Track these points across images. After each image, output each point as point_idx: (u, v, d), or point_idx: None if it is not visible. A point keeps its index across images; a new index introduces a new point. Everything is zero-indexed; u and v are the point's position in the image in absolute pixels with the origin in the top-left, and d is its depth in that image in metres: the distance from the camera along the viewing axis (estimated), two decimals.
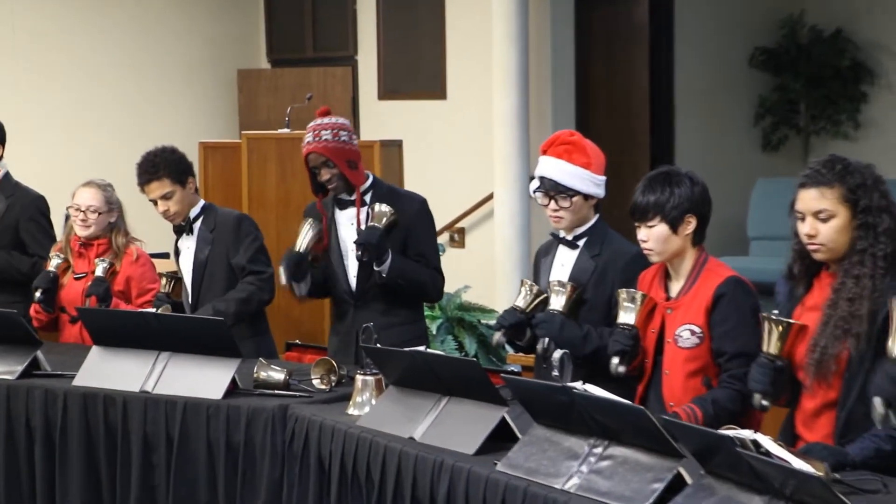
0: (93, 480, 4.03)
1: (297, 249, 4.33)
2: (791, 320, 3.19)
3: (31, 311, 4.83)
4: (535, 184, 3.90)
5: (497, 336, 3.85)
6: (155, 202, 4.58)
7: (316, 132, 4.30)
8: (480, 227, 9.23)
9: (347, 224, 4.41)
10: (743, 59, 9.89)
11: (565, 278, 3.89)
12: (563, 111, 9.05)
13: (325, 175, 4.32)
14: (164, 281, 4.72)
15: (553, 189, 3.85)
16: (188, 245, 4.67)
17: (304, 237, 4.34)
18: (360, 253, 4.22)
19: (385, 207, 4.27)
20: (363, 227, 4.30)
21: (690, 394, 3.47)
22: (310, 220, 4.38)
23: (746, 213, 9.37)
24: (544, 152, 3.91)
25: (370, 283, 4.35)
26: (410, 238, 4.35)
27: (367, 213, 4.32)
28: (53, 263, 4.79)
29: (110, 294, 4.66)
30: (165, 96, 9.47)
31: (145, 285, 4.84)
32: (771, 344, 3.19)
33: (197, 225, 4.65)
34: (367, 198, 4.38)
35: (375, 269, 4.26)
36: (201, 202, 4.67)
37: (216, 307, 4.47)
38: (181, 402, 3.90)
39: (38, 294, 4.72)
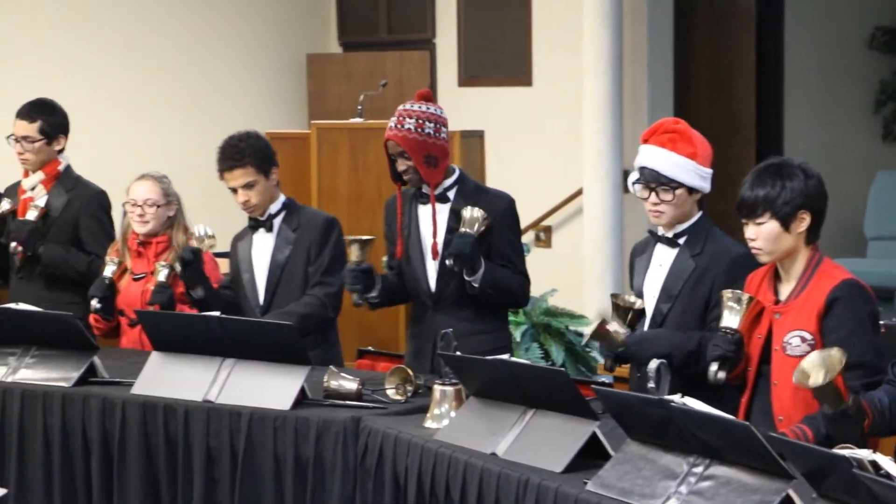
0: (152, 495, 4.09)
1: (356, 261, 4.33)
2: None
3: (91, 320, 4.91)
4: (635, 175, 3.88)
5: (608, 362, 3.87)
6: (234, 191, 4.57)
7: (400, 118, 4.32)
8: (568, 225, 9.20)
9: (428, 221, 4.43)
10: (862, 40, 9.73)
11: (662, 279, 3.88)
12: (660, 99, 8.99)
13: (401, 166, 4.35)
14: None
15: (654, 180, 3.83)
16: (264, 242, 4.67)
17: (357, 254, 4.34)
18: (451, 262, 4.24)
19: (478, 212, 4.28)
20: (441, 228, 4.32)
21: (801, 407, 3.43)
22: (355, 242, 4.36)
23: (864, 210, 9.22)
24: (646, 141, 3.89)
25: (452, 286, 4.37)
26: (496, 240, 4.36)
27: (454, 214, 4.33)
28: (109, 270, 4.84)
29: (174, 301, 4.71)
30: (229, 84, 9.58)
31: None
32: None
33: (277, 221, 4.65)
34: (451, 194, 4.40)
35: (467, 279, 4.28)
36: (282, 197, 4.68)
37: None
38: (246, 413, 3.94)
39: (94, 303, 4.79)
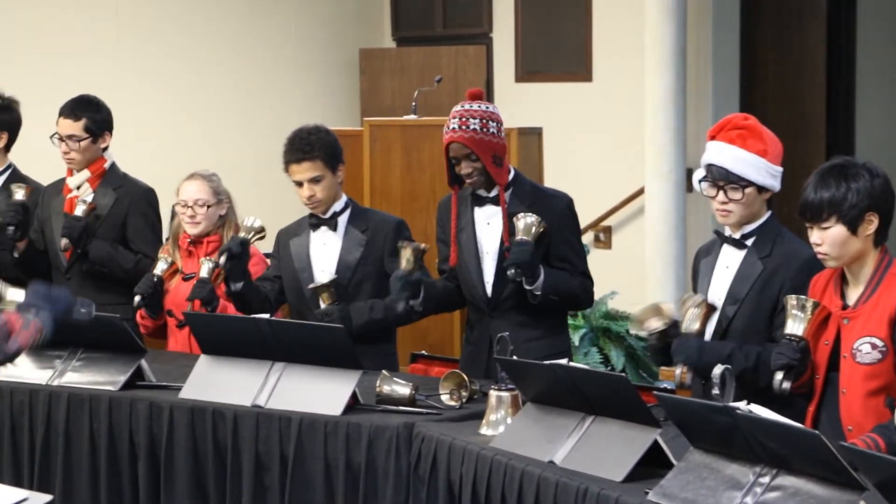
0: (200, 502, 4.11)
1: (407, 269, 4.34)
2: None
3: (137, 318, 4.95)
4: (702, 172, 3.86)
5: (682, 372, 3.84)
6: (300, 185, 4.59)
7: (463, 119, 4.32)
8: (629, 225, 9.16)
9: (484, 223, 4.43)
10: None
11: (728, 282, 3.84)
12: (725, 95, 8.93)
13: (465, 168, 4.34)
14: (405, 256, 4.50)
15: (723, 178, 3.80)
16: (326, 241, 4.67)
17: (409, 261, 4.35)
18: (512, 273, 4.23)
19: (532, 218, 4.27)
20: (503, 227, 4.31)
21: (871, 416, 3.39)
22: (409, 248, 4.37)
23: None
24: (713, 137, 3.87)
25: (508, 290, 4.36)
26: (555, 242, 4.35)
27: (510, 219, 4.32)
28: (159, 268, 4.87)
29: (216, 296, 4.74)
30: (281, 80, 9.63)
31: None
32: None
33: (342, 221, 4.67)
34: (507, 195, 4.39)
35: (527, 287, 4.27)
36: (344, 197, 4.70)
37: (369, 310, 4.52)
38: (296, 419, 3.96)
39: (137, 299, 4.82)
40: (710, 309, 3.84)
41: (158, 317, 4.92)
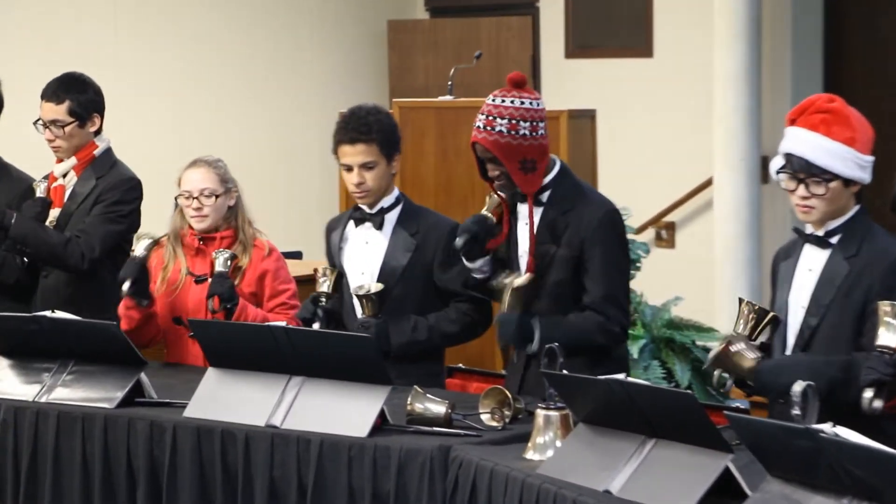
0: None
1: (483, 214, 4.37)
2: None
3: (121, 309, 4.91)
4: (779, 162, 3.84)
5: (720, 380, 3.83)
6: (349, 169, 4.59)
7: (490, 118, 4.30)
8: (695, 221, 9.15)
9: (521, 223, 4.42)
10: None
11: (811, 286, 3.82)
12: (806, 73, 8.90)
13: (491, 171, 4.35)
14: (322, 275, 4.64)
15: (804, 170, 3.78)
16: (369, 240, 4.68)
17: (489, 207, 4.39)
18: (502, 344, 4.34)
19: (512, 280, 4.30)
20: (535, 232, 4.31)
21: None
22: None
23: None
24: (793, 122, 3.84)
25: (550, 298, 4.35)
26: (587, 254, 4.32)
27: (543, 222, 4.32)
28: (141, 247, 4.83)
29: (236, 294, 4.74)
30: (298, 57, 9.66)
31: (278, 286, 4.91)
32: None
33: (390, 219, 4.67)
34: (546, 196, 4.38)
35: (528, 351, 4.31)
36: (397, 191, 4.70)
37: (412, 329, 4.56)
38: (316, 441, 3.96)
39: (125, 286, 4.79)
40: (773, 321, 3.83)
41: (149, 302, 4.89)
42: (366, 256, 4.68)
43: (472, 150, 4.39)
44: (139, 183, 5.31)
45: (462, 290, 4.57)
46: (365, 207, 4.67)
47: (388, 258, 4.64)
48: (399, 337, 4.55)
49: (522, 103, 4.32)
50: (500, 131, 4.28)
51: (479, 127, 4.32)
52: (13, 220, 5.14)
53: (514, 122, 4.29)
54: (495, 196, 4.44)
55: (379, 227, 4.67)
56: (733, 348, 3.79)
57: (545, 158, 4.36)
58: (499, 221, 4.45)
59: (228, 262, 4.76)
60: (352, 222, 4.72)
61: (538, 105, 4.34)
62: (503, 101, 4.32)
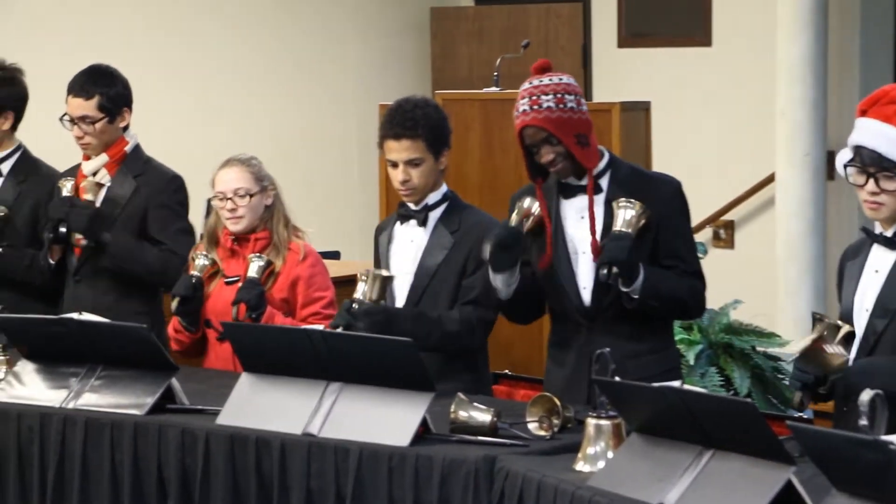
0: None
1: (511, 224, 4.35)
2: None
3: (170, 331, 4.99)
4: (847, 155, 3.83)
5: (797, 397, 3.83)
6: (394, 165, 4.61)
7: (533, 98, 4.32)
8: (756, 219, 9.13)
9: (576, 218, 4.42)
10: None
11: (878, 289, 3.81)
12: (875, 62, 8.85)
13: (546, 155, 4.34)
14: (363, 281, 4.55)
15: (874, 164, 3.78)
16: (412, 237, 4.70)
17: (519, 214, 4.38)
18: (605, 273, 4.23)
19: (634, 205, 4.26)
20: (598, 224, 4.30)
21: None
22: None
23: None
24: (863, 113, 3.84)
25: (610, 298, 4.36)
26: (662, 234, 4.34)
27: (608, 207, 4.32)
28: (198, 265, 4.91)
29: (265, 301, 4.78)
30: (337, 46, 9.68)
31: (313, 293, 4.94)
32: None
33: (434, 216, 4.69)
34: (604, 182, 4.39)
35: (623, 290, 4.26)
36: (444, 188, 4.71)
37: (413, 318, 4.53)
38: (355, 450, 3.98)
39: (175, 303, 4.86)
40: (848, 336, 3.82)
41: (197, 329, 4.96)
42: (409, 254, 4.70)
43: (519, 141, 4.39)
44: (182, 179, 5.36)
45: (478, 296, 4.56)
46: (410, 204, 4.70)
47: (426, 255, 4.66)
48: (403, 326, 4.50)
49: (561, 80, 4.35)
50: (549, 107, 4.29)
51: (524, 111, 4.32)
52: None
53: (559, 95, 4.30)
54: (526, 202, 4.42)
55: (423, 224, 4.70)
56: (828, 348, 3.78)
57: (594, 135, 4.37)
58: (529, 232, 4.44)
59: (263, 268, 4.79)
60: (398, 220, 4.75)
61: (574, 83, 4.38)
62: (541, 81, 4.34)
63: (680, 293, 4.36)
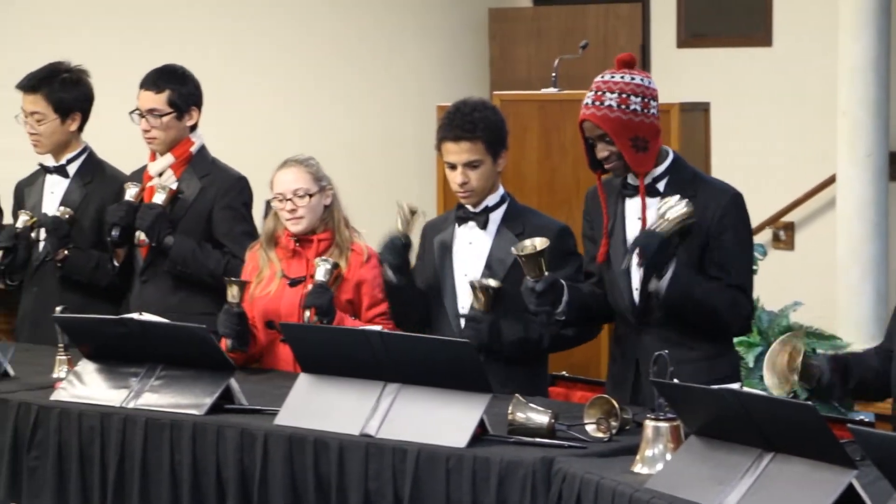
0: None
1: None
2: None
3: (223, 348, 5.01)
4: None
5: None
6: (452, 167, 4.63)
7: (599, 93, 4.31)
8: (817, 221, 9.08)
9: (633, 218, 4.42)
10: None
11: None
12: None
13: (601, 151, 4.34)
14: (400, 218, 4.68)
15: None
16: (474, 240, 4.71)
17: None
18: (627, 263, 4.23)
19: (679, 204, 4.24)
20: (649, 223, 4.29)
21: None
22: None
23: None
24: None
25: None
26: (710, 243, 4.31)
27: (658, 208, 4.31)
28: (233, 295, 4.84)
29: (334, 308, 4.79)
30: (395, 48, 9.70)
31: (378, 294, 4.94)
32: None
33: (495, 218, 4.70)
34: (662, 185, 4.38)
35: (651, 286, 4.25)
36: (502, 189, 4.72)
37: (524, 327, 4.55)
38: (413, 451, 3.99)
39: (228, 345, 4.85)
40: None
41: (246, 348, 4.93)
42: (469, 257, 4.70)
43: (581, 133, 4.39)
44: (247, 180, 5.40)
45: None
46: (469, 206, 4.71)
47: (492, 259, 4.67)
48: (512, 334, 4.56)
49: (633, 79, 4.33)
50: (610, 105, 4.29)
51: (587, 104, 4.33)
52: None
53: (624, 96, 4.29)
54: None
55: (483, 226, 4.70)
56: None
57: (657, 140, 4.35)
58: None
59: (330, 271, 4.81)
60: (456, 222, 4.76)
61: (650, 84, 4.36)
62: (612, 77, 4.34)
63: (715, 303, 4.30)
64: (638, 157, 4.30)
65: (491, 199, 4.70)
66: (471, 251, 4.71)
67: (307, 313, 4.76)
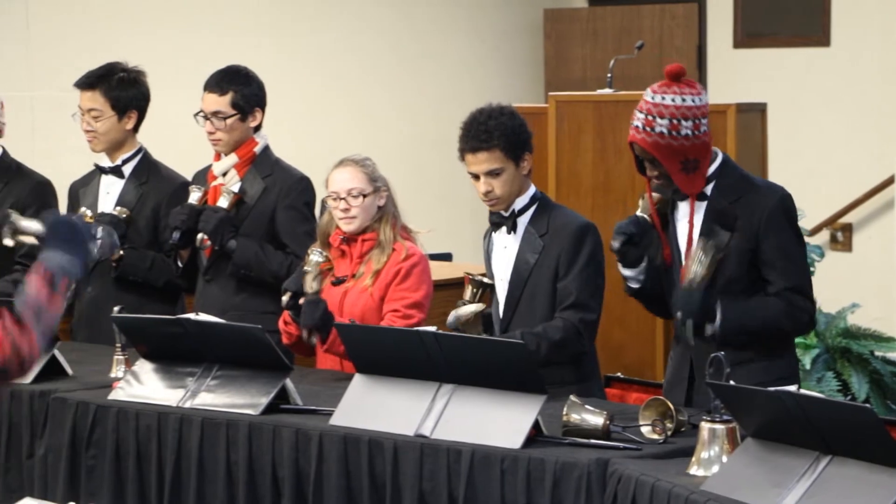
0: None
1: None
2: None
3: (280, 324, 5.04)
4: None
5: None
6: (476, 177, 4.65)
7: (650, 118, 4.29)
8: (875, 222, 9.01)
9: (683, 222, 4.40)
10: None
11: None
12: None
13: (650, 171, 4.35)
14: (469, 290, 4.69)
15: None
16: (507, 244, 4.72)
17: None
18: (682, 328, 4.27)
19: (707, 248, 4.23)
20: (696, 229, 4.29)
21: None
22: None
23: None
24: None
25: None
26: (761, 245, 4.30)
27: (710, 216, 4.30)
28: (312, 261, 4.94)
29: (329, 317, 4.79)
30: (448, 49, 9.70)
31: (401, 291, 4.93)
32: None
33: (523, 221, 4.70)
34: (709, 188, 4.36)
35: (707, 332, 4.26)
36: (532, 190, 4.72)
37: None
38: (467, 452, 4.00)
39: (285, 298, 4.90)
40: None
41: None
42: (503, 262, 4.72)
43: (630, 147, 4.39)
44: (310, 180, 5.42)
45: (575, 293, 4.57)
46: (500, 212, 4.71)
47: (518, 261, 4.67)
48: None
49: (684, 101, 4.29)
50: (661, 132, 4.27)
51: (637, 126, 4.31)
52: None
53: (675, 121, 4.27)
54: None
55: (512, 230, 4.71)
56: None
57: (708, 155, 4.33)
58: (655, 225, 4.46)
59: (318, 281, 4.85)
60: (492, 229, 4.78)
61: (701, 101, 4.32)
62: (663, 98, 4.29)
63: (773, 321, 4.30)
64: (688, 179, 4.30)
65: (520, 202, 4.70)
66: (504, 255, 4.72)
67: (304, 333, 4.83)
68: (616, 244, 4.41)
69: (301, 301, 4.86)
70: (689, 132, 4.28)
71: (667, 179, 4.31)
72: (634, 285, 4.49)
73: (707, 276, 4.23)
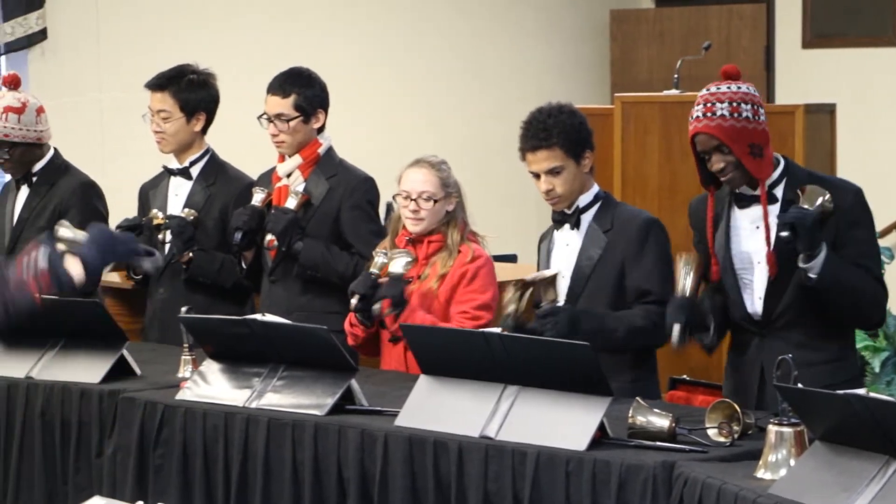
0: None
1: (683, 294, 4.34)
2: None
3: (346, 325, 5.07)
4: None
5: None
6: (537, 176, 4.66)
7: (708, 105, 4.28)
8: None
9: (751, 228, 4.37)
10: None
11: None
12: None
13: (717, 163, 4.31)
14: (512, 291, 4.72)
15: None
16: (568, 241, 4.72)
17: (686, 279, 4.36)
18: (786, 234, 4.16)
19: (819, 191, 4.21)
20: (773, 230, 4.26)
21: None
22: (686, 259, 4.39)
23: None
24: None
25: (784, 305, 4.30)
26: (843, 238, 4.28)
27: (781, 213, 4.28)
28: (378, 263, 4.96)
29: (405, 299, 4.82)
30: (515, 50, 9.71)
31: (468, 293, 4.96)
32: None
33: (587, 218, 4.69)
34: (779, 191, 4.34)
35: (802, 265, 4.19)
36: (595, 188, 4.72)
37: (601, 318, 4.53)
38: (532, 453, 4.00)
39: (354, 301, 4.93)
40: None
41: (372, 324, 5.01)
42: (566, 259, 4.70)
43: (692, 148, 4.37)
44: (374, 180, 5.44)
45: (657, 298, 4.54)
46: (563, 210, 4.71)
47: (581, 256, 4.66)
48: (590, 323, 4.52)
49: (739, 88, 4.30)
50: (723, 115, 4.25)
51: (697, 117, 4.29)
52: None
53: (735, 104, 4.26)
54: None
55: (576, 226, 4.70)
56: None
57: (770, 146, 4.32)
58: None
59: (408, 266, 4.85)
60: (554, 227, 4.77)
61: (754, 91, 4.33)
62: (720, 88, 4.31)
63: (862, 287, 4.27)
64: (756, 164, 4.27)
65: (583, 200, 4.69)
66: (567, 252, 4.71)
67: (378, 305, 4.81)
68: (676, 343, 4.36)
69: (379, 283, 4.89)
70: (750, 115, 4.27)
71: (736, 168, 4.28)
72: (717, 343, 4.47)
73: (815, 214, 4.20)
